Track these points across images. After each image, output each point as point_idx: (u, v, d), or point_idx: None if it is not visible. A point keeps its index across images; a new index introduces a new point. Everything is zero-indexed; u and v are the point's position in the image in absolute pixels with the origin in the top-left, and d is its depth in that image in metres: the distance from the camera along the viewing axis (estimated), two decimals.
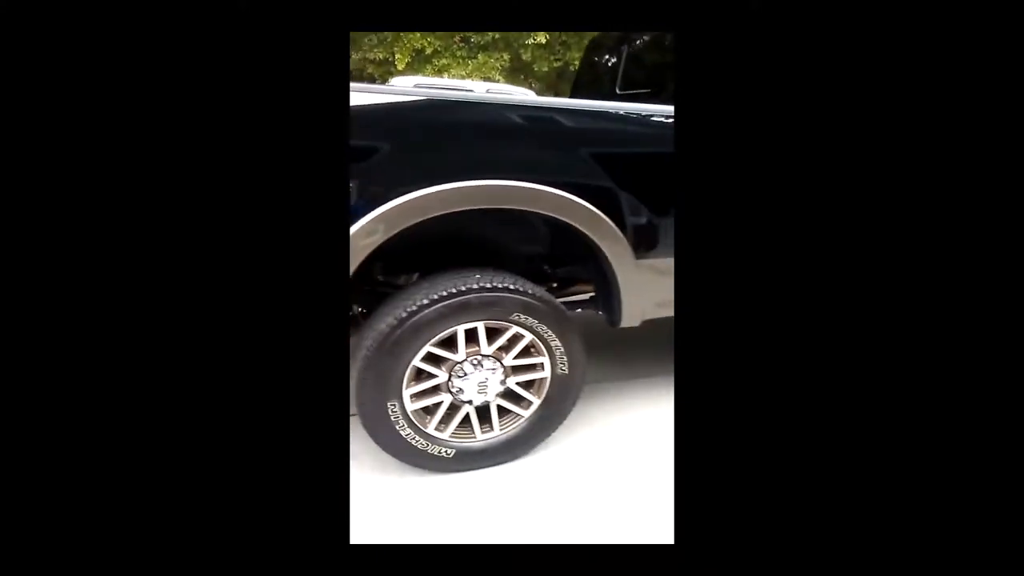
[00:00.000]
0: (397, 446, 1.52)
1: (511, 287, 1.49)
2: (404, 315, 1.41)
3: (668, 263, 1.64)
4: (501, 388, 1.60)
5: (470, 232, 1.72)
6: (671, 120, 1.61)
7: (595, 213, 1.52)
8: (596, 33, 3.11)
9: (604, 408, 1.99)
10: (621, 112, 1.66)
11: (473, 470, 1.62)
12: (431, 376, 1.52)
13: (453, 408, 1.58)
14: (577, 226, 1.52)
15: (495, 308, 1.48)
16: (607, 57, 2.82)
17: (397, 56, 7.48)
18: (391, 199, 1.32)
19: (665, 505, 1.48)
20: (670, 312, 1.73)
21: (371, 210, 1.31)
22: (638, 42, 2.50)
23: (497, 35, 7.72)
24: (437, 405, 1.56)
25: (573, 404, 1.69)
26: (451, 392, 1.56)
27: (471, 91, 1.93)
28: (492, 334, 1.54)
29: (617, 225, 1.55)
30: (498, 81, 7.46)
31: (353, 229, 1.30)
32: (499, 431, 1.63)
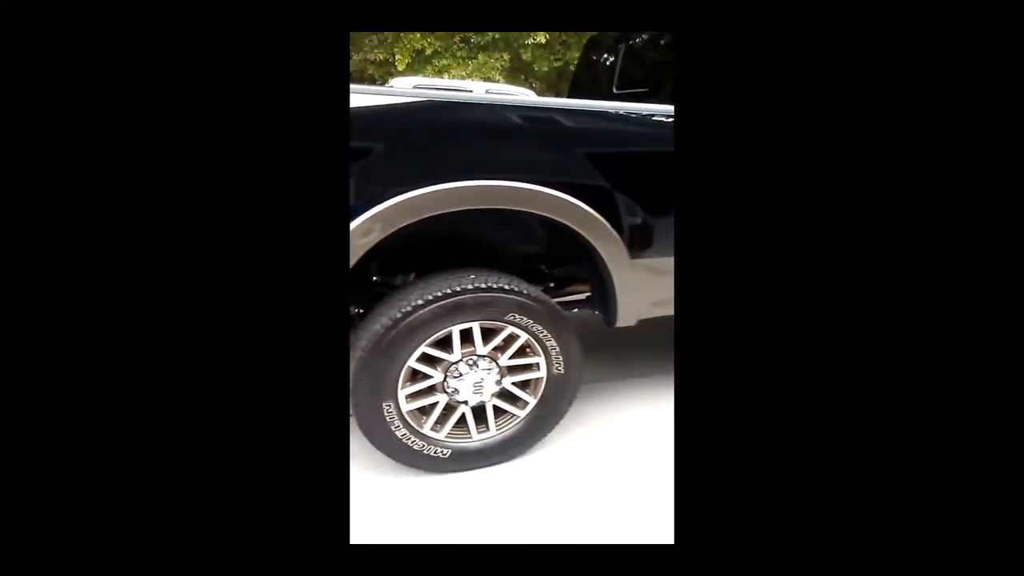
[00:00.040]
0: (393, 447, 1.52)
1: (506, 287, 1.49)
2: (399, 316, 1.41)
3: (663, 263, 1.64)
4: (497, 388, 1.60)
5: (467, 232, 1.72)
6: (666, 120, 1.62)
7: (590, 213, 1.52)
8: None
9: (601, 408, 1.99)
10: (615, 112, 1.66)
11: (469, 470, 1.62)
12: (427, 377, 1.52)
13: (449, 408, 1.58)
14: (572, 226, 1.52)
15: (490, 308, 1.49)
16: (605, 56, 2.82)
17: (397, 57, 7.48)
18: (387, 199, 1.33)
19: (661, 505, 1.48)
20: (665, 312, 1.73)
21: (368, 209, 1.31)
22: (634, 41, 2.50)
23: (497, 35, 7.72)
24: (433, 405, 1.56)
25: (569, 404, 1.70)
26: (447, 392, 1.56)
27: (470, 91, 1.93)
28: (487, 334, 1.54)
29: (612, 225, 1.56)
30: (498, 81, 7.46)
31: (350, 228, 1.31)
32: (495, 431, 1.64)
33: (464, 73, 7.49)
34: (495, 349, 1.56)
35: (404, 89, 1.56)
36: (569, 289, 1.97)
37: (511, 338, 1.56)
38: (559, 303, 1.69)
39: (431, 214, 1.37)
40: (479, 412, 1.62)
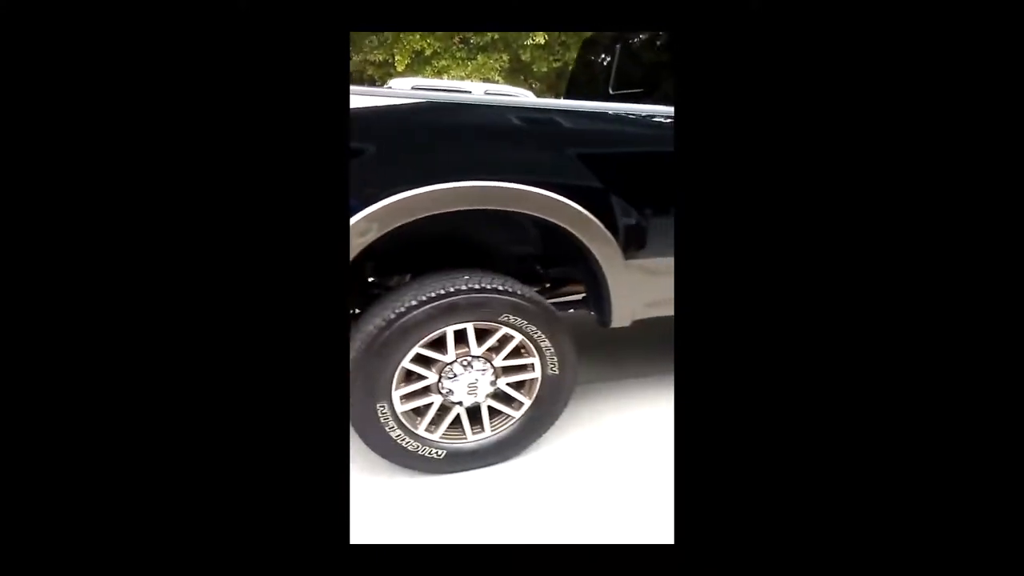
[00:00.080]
0: (387, 447, 1.52)
1: (500, 288, 1.49)
2: (392, 317, 1.41)
3: (657, 263, 1.65)
4: (491, 389, 1.60)
5: (463, 233, 1.72)
6: (662, 120, 1.62)
7: (584, 214, 1.52)
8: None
9: (596, 408, 1.99)
10: (610, 112, 1.66)
11: (464, 471, 1.62)
12: (421, 377, 1.52)
13: (443, 409, 1.58)
14: (566, 227, 1.52)
15: (484, 309, 1.49)
16: (601, 56, 2.82)
17: (397, 58, 7.49)
18: (383, 198, 1.33)
19: (657, 505, 1.48)
20: (660, 312, 1.74)
21: (363, 209, 1.32)
22: (630, 42, 2.50)
23: (496, 36, 7.73)
24: (427, 406, 1.56)
25: (564, 405, 1.70)
26: (441, 393, 1.56)
27: (468, 92, 1.94)
28: (482, 335, 1.54)
29: (606, 226, 1.56)
30: (498, 82, 7.47)
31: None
32: (490, 432, 1.64)
33: (463, 74, 7.49)
34: (489, 350, 1.56)
35: (399, 91, 1.56)
36: (564, 290, 1.97)
37: (505, 339, 1.56)
38: (554, 304, 1.69)
39: (426, 214, 1.37)
40: (474, 413, 1.62)
